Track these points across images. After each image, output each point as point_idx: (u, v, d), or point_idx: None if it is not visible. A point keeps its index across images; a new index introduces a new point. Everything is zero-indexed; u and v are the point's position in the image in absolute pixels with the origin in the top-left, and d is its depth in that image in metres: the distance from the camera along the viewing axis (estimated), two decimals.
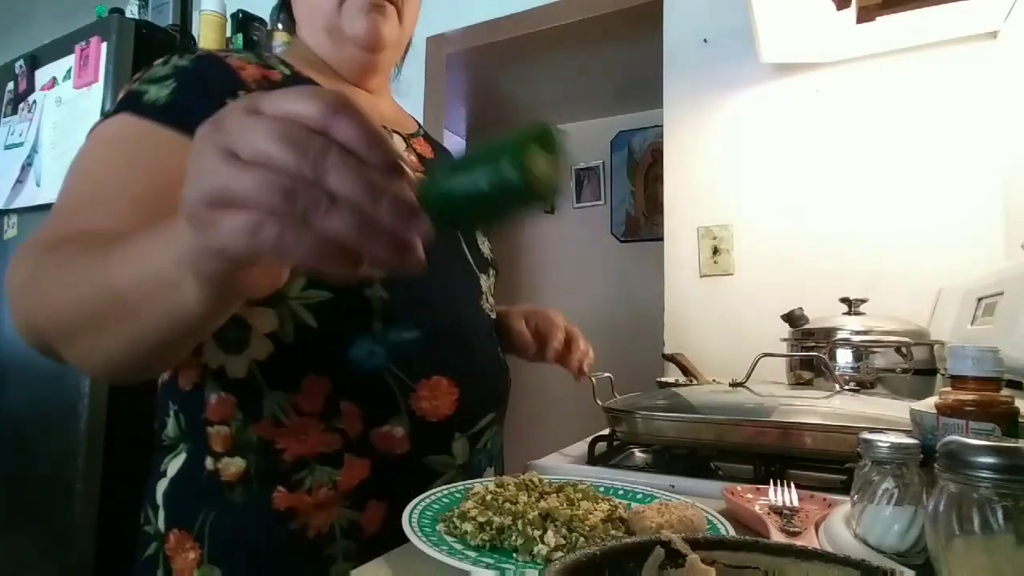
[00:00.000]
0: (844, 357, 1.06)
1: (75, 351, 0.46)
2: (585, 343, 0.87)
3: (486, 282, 0.77)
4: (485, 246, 0.82)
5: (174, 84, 0.58)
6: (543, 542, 0.46)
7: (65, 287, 0.43)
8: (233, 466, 0.61)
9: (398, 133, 0.76)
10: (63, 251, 0.47)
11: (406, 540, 0.57)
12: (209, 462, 0.62)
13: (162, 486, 0.65)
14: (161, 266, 0.36)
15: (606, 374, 0.90)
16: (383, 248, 0.29)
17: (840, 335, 1.08)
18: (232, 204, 0.28)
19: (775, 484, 0.58)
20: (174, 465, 0.65)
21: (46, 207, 1.42)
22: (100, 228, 0.49)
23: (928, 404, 0.49)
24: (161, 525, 0.63)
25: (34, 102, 1.50)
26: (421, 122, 0.89)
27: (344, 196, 0.28)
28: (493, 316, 0.77)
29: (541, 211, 0.39)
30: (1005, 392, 0.45)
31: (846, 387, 0.95)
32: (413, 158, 0.76)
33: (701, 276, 1.66)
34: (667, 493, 0.60)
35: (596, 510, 0.51)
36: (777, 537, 0.48)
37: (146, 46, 1.42)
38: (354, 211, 0.28)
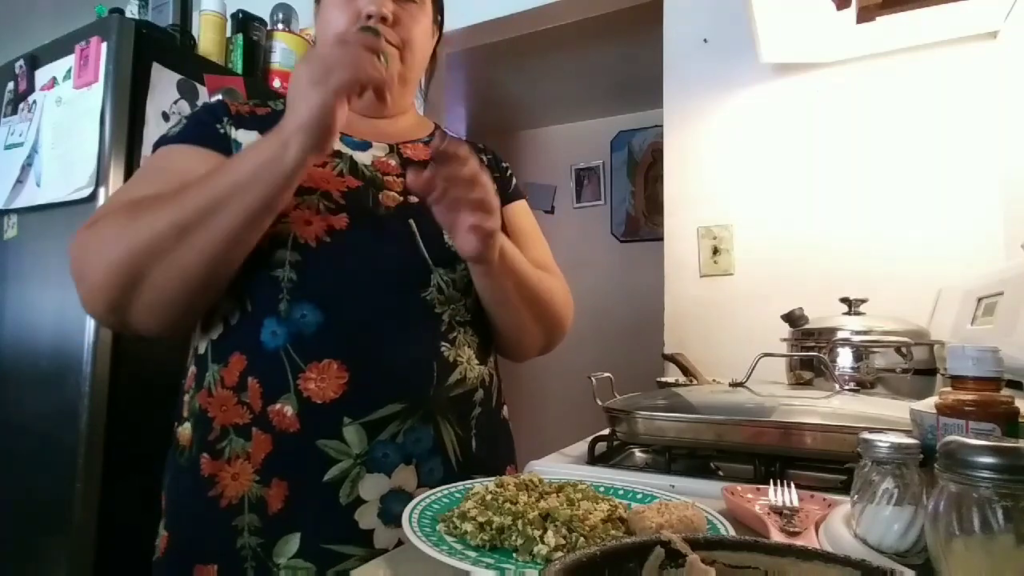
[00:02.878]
0: (844, 357, 1.06)
1: (175, 256, 0.63)
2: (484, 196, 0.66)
3: (443, 276, 0.76)
4: None
5: (184, 123, 0.78)
6: (543, 542, 0.46)
7: (174, 205, 0.63)
8: (185, 431, 0.73)
9: (383, 143, 0.84)
10: (152, 199, 0.65)
11: (309, 521, 0.66)
12: (176, 428, 0.75)
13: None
14: (271, 148, 0.63)
15: (606, 374, 0.90)
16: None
17: (840, 335, 1.07)
18: (332, 71, 0.62)
19: (775, 484, 0.58)
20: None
21: (46, 207, 1.42)
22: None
23: (928, 404, 0.49)
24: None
25: (34, 102, 1.50)
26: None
27: (368, 46, 0.64)
28: (442, 310, 0.76)
29: None
30: (1005, 392, 0.45)
31: (846, 387, 0.95)
32: (393, 162, 0.82)
33: (701, 276, 1.66)
34: (667, 493, 0.60)
35: (596, 510, 0.50)
36: (777, 537, 0.48)
37: (146, 46, 1.41)
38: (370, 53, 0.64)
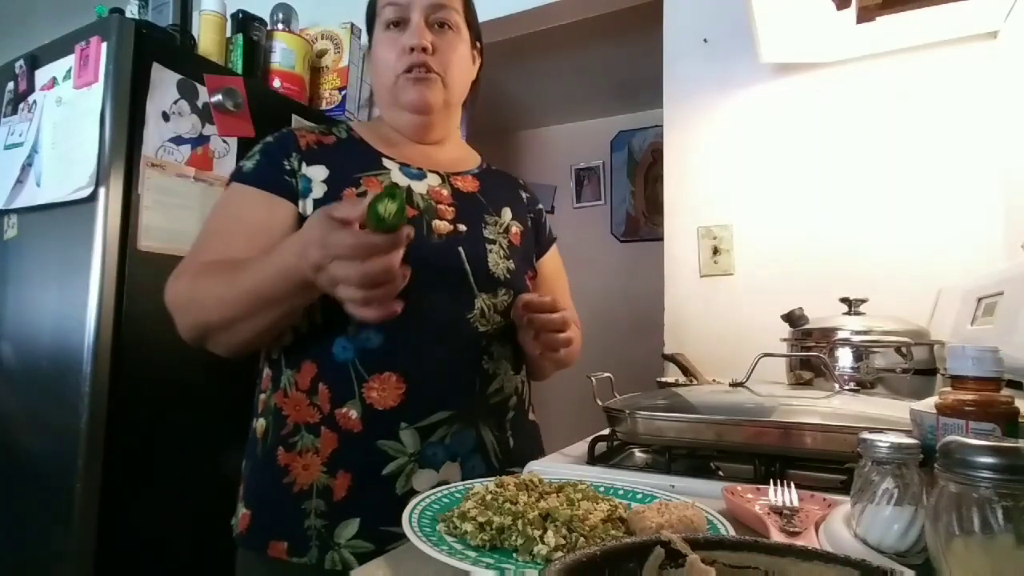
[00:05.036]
0: (844, 357, 1.06)
1: (230, 335, 0.77)
2: (567, 330, 0.86)
3: (486, 301, 0.86)
4: (500, 267, 0.88)
5: (257, 158, 0.87)
6: (543, 542, 0.46)
7: (222, 299, 0.74)
8: (261, 425, 0.84)
9: (436, 173, 0.92)
10: (210, 275, 0.77)
11: (368, 507, 0.77)
12: (254, 422, 0.86)
13: None
14: (288, 261, 0.69)
15: (606, 374, 0.90)
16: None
17: (840, 335, 1.07)
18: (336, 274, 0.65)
19: (775, 484, 0.59)
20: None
21: (46, 207, 1.42)
22: (222, 254, 0.79)
23: (928, 404, 0.49)
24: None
25: (34, 102, 1.49)
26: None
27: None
28: (484, 329, 0.85)
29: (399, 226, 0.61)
30: (1005, 392, 0.45)
31: (846, 387, 0.95)
32: (445, 192, 0.90)
33: (701, 276, 1.66)
34: (667, 493, 0.60)
35: (596, 510, 0.51)
36: (777, 537, 0.48)
37: (146, 46, 1.41)
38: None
